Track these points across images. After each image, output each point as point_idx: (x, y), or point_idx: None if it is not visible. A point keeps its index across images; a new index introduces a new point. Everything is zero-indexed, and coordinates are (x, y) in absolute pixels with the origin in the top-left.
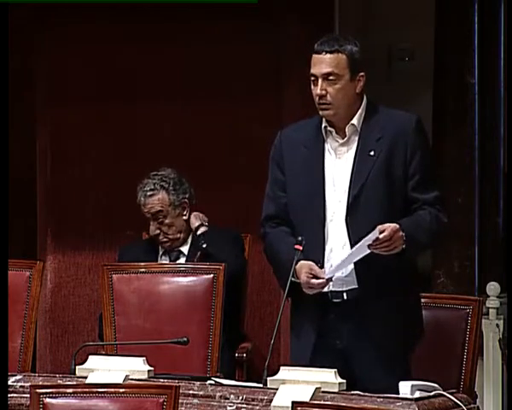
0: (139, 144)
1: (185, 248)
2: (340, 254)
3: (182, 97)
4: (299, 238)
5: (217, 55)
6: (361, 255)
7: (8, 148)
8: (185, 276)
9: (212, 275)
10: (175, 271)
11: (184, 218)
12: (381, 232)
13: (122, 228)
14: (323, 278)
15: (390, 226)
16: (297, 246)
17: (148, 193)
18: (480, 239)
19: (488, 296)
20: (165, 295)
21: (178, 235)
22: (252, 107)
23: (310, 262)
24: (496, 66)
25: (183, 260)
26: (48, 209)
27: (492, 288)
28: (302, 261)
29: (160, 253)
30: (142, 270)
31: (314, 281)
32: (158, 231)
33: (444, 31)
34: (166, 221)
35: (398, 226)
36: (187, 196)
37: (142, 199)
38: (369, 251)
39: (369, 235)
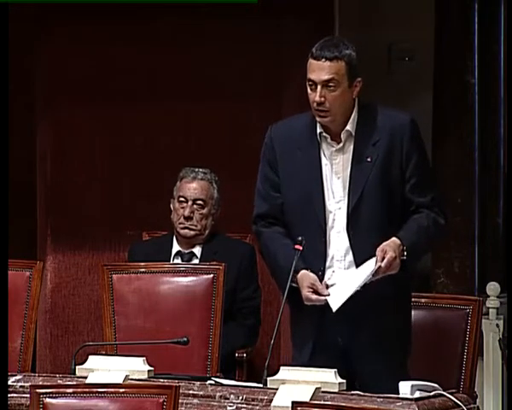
0: (139, 144)
1: (197, 250)
2: (341, 262)
3: (182, 97)
4: (299, 238)
5: (217, 55)
6: (365, 280)
7: (8, 148)
8: (185, 276)
9: (212, 275)
10: (175, 271)
11: (213, 223)
12: (383, 257)
13: (122, 228)
14: (324, 296)
15: (389, 247)
16: (297, 246)
17: (200, 176)
18: (479, 239)
19: (488, 296)
20: (165, 295)
21: (204, 231)
22: (252, 107)
23: (313, 275)
24: (496, 66)
25: (195, 262)
26: (48, 209)
27: (492, 288)
28: (304, 272)
29: (173, 253)
30: (142, 270)
31: (315, 297)
32: (192, 215)
33: (444, 31)
34: (204, 211)
35: (399, 242)
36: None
37: (190, 179)
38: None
39: (372, 265)
